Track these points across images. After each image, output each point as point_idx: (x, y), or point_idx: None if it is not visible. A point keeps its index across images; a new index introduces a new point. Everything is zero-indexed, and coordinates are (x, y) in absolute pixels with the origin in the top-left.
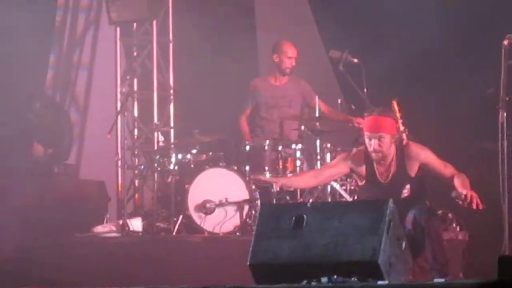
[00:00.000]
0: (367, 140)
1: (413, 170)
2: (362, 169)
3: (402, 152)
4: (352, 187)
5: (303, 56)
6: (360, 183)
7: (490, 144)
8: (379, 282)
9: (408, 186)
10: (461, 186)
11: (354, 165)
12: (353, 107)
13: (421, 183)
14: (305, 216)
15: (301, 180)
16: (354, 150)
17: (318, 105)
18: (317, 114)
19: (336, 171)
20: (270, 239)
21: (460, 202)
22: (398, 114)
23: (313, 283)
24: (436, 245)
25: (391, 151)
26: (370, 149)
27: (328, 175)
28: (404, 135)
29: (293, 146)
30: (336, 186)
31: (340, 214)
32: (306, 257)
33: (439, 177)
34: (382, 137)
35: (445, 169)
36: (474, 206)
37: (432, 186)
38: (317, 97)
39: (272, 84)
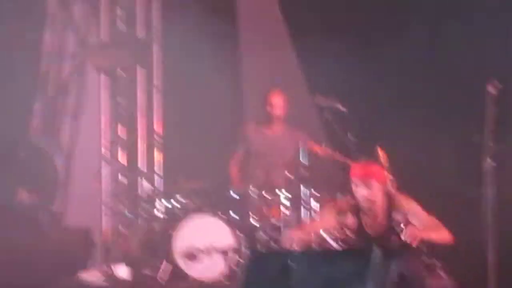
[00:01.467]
0: (354, 188)
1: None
2: (349, 221)
3: (389, 203)
4: (338, 235)
5: (290, 103)
6: (349, 234)
7: (475, 191)
8: None
9: (396, 238)
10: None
11: (340, 217)
12: (337, 153)
13: None
14: (292, 264)
15: None
16: (340, 201)
17: (312, 149)
18: (302, 161)
19: (324, 226)
20: (258, 287)
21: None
22: (383, 160)
23: None
24: None
25: (379, 200)
26: (358, 196)
27: (316, 233)
28: (390, 185)
29: (278, 192)
30: (323, 233)
31: (327, 262)
32: None
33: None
34: (371, 184)
35: (429, 223)
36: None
37: None
38: (304, 142)
39: (264, 133)
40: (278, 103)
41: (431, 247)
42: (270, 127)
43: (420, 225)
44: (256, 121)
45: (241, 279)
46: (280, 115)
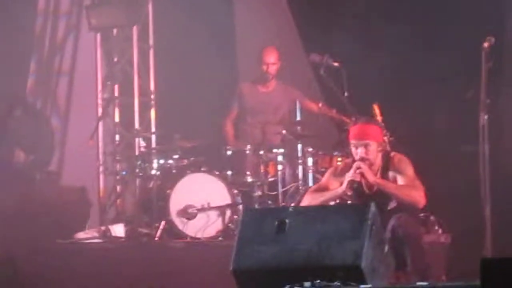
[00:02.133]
0: (353, 149)
1: (397, 181)
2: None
3: (387, 163)
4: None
5: (284, 60)
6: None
7: (470, 147)
8: (362, 286)
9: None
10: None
11: (343, 178)
12: (334, 111)
13: None
14: (287, 221)
15: None
16: (342, 163)
17: (308, 106)
18: (298, 118)
19: (334, 193)
20: (252, 244)
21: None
22: (379, 118)
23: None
24: (415, 252)
25: (377, 160)
26: (357, 157)
27: (325, 198)
28: (388, 144)
29: (275, 150)
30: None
31: (322, 218)
32: (289, 262)
33: None
34: (368, 144)
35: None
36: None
37: None
38: (299, 100)
39: (258, 90)
40: (272, 60)
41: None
42: (265, 84)
43: (402, 182)
44: (251, 79)
45: (237, 236)
46: (274, 73)
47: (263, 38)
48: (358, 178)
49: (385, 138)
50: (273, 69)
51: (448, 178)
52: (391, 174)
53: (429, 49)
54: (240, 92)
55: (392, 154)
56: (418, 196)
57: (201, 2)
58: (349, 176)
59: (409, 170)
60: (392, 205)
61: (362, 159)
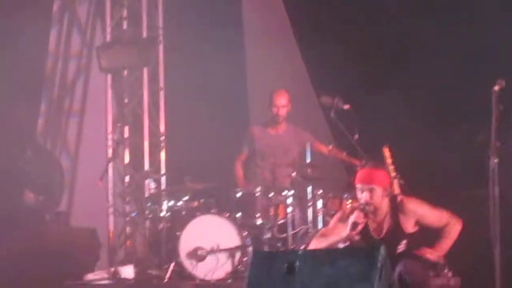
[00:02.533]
0: (358, 193)
1: (408, 226)
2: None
3: (396, 208)
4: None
5: (294, 102)
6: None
7: (480, 190)
8: None
9: (404, 242)
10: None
11: (344, 223)
12: (344, 153)
13: (417, 238)
14: (297, 263)
15: None
16: (349, 208)
17: (318, 149)
18: (308, 161)
19: (338, 237)
20: (262, 287)
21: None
22: (389, 160)
23: None
24: None
25: (384, 205)
26: (362, 201)
27: (330, 242)
28: (397, 187)
29: (285, 192)
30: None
31: (332, 261)
32: None
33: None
34: (373, 189)
35: (440, 221)
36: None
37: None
38: (309, 143)
39: (268, 133)
40: (282, 103)
41: None
42: (275, 127)
43: (433, 224)
44: (261, 121)
45: (247, 279)
46: (284, 115)
47: (274, 81)
48: (360, 220)
49: (395, 180)
50: (283, 111)
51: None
52: (403, 219)
53: (440, 91)
54: (251, 135)
55: (400, 197)
56: (458, 224)
57: (213, 45)
58: (351, 219)
59: (427, 209)
60: (401, 248)
61: (367, 204)
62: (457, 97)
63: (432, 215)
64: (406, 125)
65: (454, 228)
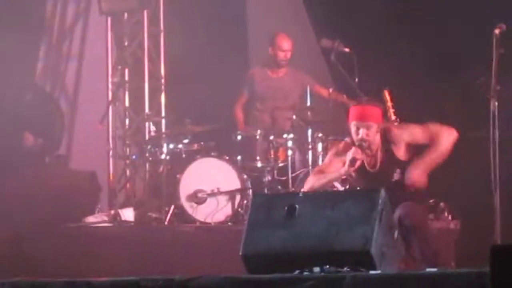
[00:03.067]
0: (353, 129)
1: (401, 153)
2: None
3: (386, 138)
4: (344, 177)
5: (295, 46)
6: (352, 174)
7: (480, 133)
8: (371, 272)
9: (398, 170)
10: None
11: (345, 158)
12: (344, 96)
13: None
14: (297, 206)
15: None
16: (342, 143)
17: (318, 92)
18: (308, 104)
19: (337, 173)
20: (262, 229)
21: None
22: (389, 104)
23: (305, 273)
24: (422, 240)
25: (377, 140)
26: (357, 138)
27: (329, 179)
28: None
29: (285, 135)
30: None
31: (332, 204)
32: (298, 247)
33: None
34: (370, 126)
35: (430, 134)
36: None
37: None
38: (309, 86)
39: (269, 75)
40: (287, 47)
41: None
42: (276, 70)
43: (424, 140)
44: (262, 64)
45: (247, 221)
46: (285, 58)
47: (275, 23)
48: (358, 156)
49: (393, 120)
50: (288, 55)
51: (457, 165)
52: (394, 147)
53: (440, 36)
54: (251, 77)
55: (389, 127)
56: (446, 140)
57: None
58: (349, 155)
59: (412, 125)
60: (397, 176)
61: (362, 140)
62: (457, 44)
63: (419, 131)
64: (406, 69)
65: (444, 136)
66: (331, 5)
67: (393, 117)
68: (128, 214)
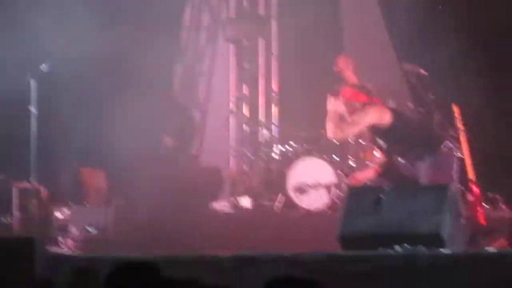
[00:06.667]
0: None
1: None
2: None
3: None
4: None
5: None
6: None
7: None
8: (442, 250)
9: None
10: None
11: None
12: (420, 109)
13: None
14: (383, 197)
15: None
16: None
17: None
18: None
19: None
20: (355, 215)
21: None
22: (457, 115)
23: (388, 250)
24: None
25: None
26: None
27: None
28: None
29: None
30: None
31: (412, 196)
32: (383, 230)
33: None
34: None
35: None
36: None
37: (483, 169)
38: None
39: None
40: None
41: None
42: None
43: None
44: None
45: (341, 209)
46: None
47: (367, 51)
48: None
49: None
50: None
51: None
52: None
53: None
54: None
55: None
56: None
57: (316, 22)
58: None
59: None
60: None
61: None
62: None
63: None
64: (473, 89)
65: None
66: (415, 38)
67: (462, 128)
68: (244, 202)
